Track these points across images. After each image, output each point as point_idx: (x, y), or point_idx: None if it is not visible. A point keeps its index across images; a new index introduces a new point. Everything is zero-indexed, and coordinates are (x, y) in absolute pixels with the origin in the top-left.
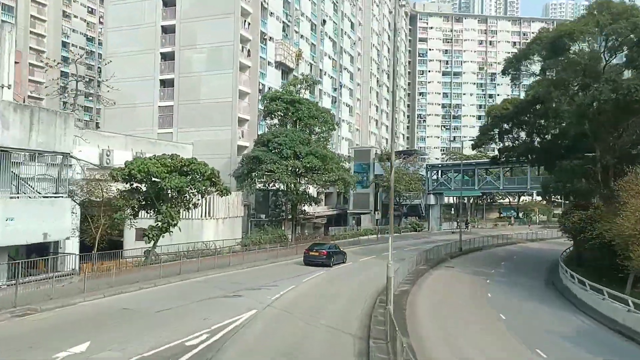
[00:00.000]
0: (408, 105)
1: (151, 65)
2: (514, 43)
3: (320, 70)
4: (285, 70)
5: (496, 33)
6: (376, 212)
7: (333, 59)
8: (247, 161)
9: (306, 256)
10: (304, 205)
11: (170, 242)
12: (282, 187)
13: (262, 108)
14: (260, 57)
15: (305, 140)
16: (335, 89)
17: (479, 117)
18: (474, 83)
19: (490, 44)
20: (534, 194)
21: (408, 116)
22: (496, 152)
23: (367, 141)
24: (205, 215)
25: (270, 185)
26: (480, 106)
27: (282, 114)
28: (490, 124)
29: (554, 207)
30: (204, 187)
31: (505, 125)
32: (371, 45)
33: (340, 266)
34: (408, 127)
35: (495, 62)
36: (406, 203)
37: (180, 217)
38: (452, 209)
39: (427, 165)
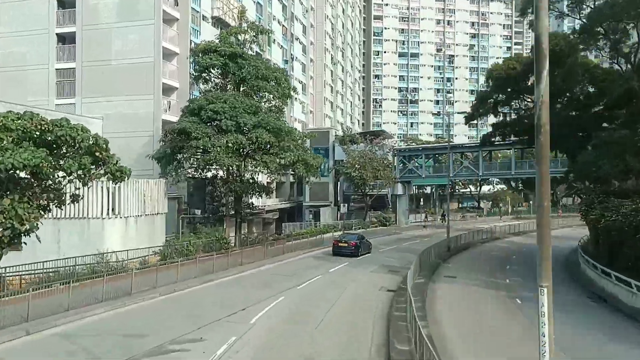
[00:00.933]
0: (363, 89)
1: (44, 15)
2: (472, 24)
3: (269, 36)
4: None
5: (454, 12)
6: (342, 205)
7: (283, 25)
8: (171, 137)
9: (335, 247)
10: (251, 197)
11: (58, 255)
12: (221, 173)
13: (193, 66)
14: (192, 8)
15: (252, 108)
16: (286, 61)
17: (437, 102)
18: (432, 66)
19: (448, 24)
20: (494, 183)
21: (363, 100)
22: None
23: (322, 125)
24: (108, 213)
25: (205, 170)
26: (438, 90)
27: (219, 73)
28: (492, 88)
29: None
30: (80, 169)
31: (508, 90)
32: (325, 17)
33: (314, 280)
34: (363, 112)
35: (453, 44)
36: (372, 193)
37: (43, 216)
38: (421, 199)
39: (394, 149)
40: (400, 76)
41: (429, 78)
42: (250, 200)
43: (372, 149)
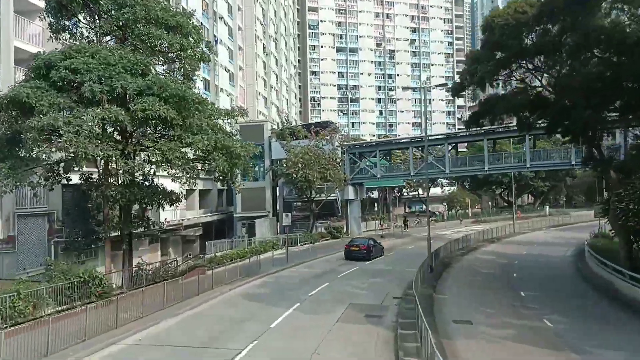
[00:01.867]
0: (299, 86)
1: None
2: (412, 17)
3: (184, 9)
4: None
5: (393, 5)
6: (285, 215)
7: None
8: (4, 115)
9: (347, 251)
10: (149, 209)
11: None
12: (97, 174)
13: (45, 6)
14: None
15: (137, 66)
16: (207, 43)
17: (379, 100)
18: (372, 61)
19: (387, 17)
20: (442, 184)
21: (300, 99)
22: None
23: None
24: None
25: (65, 168)
26: (379, 87)
27: (90, 20)
28: (497, 36)
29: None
30: None
31: (513, 43)
32: (254, 1)
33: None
34: (301, 112)
35: (393, 38)
36: (320, 199)
37: None
38: (375, 204)
39: (344, 146)
40: (339, 72)
41: (369, 75)
42: (148, 215)
43: (319, 144)
